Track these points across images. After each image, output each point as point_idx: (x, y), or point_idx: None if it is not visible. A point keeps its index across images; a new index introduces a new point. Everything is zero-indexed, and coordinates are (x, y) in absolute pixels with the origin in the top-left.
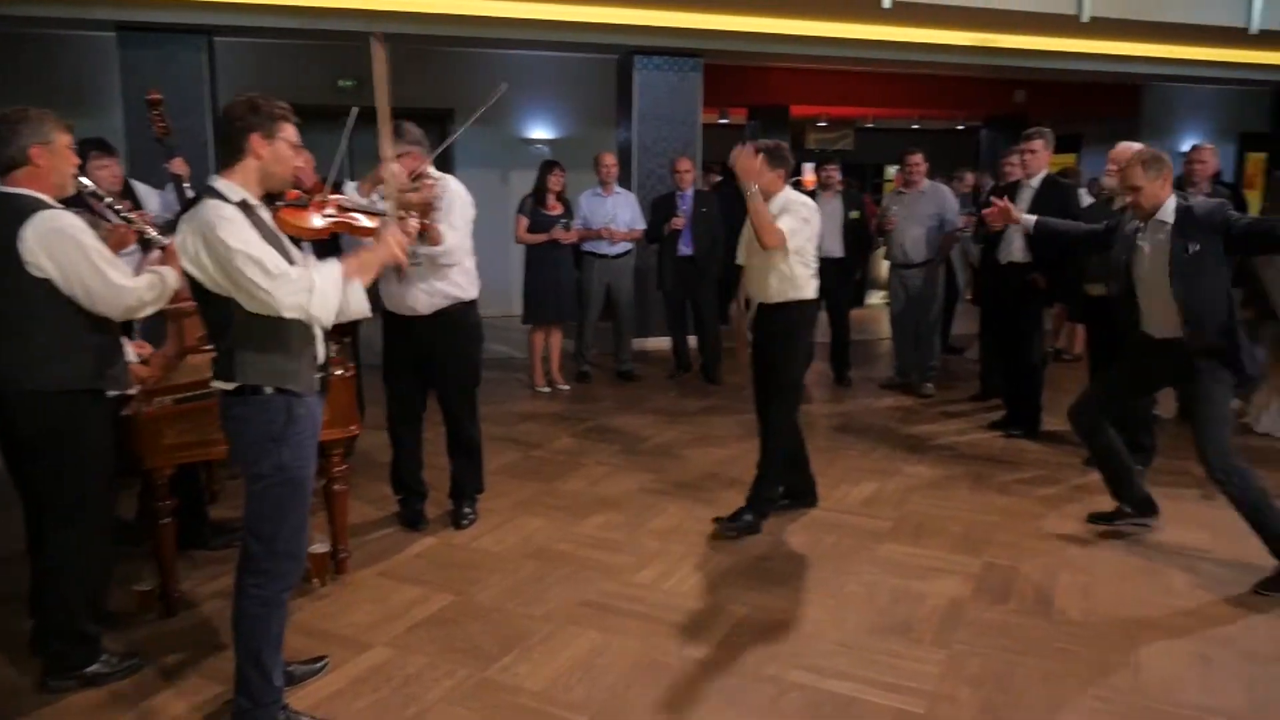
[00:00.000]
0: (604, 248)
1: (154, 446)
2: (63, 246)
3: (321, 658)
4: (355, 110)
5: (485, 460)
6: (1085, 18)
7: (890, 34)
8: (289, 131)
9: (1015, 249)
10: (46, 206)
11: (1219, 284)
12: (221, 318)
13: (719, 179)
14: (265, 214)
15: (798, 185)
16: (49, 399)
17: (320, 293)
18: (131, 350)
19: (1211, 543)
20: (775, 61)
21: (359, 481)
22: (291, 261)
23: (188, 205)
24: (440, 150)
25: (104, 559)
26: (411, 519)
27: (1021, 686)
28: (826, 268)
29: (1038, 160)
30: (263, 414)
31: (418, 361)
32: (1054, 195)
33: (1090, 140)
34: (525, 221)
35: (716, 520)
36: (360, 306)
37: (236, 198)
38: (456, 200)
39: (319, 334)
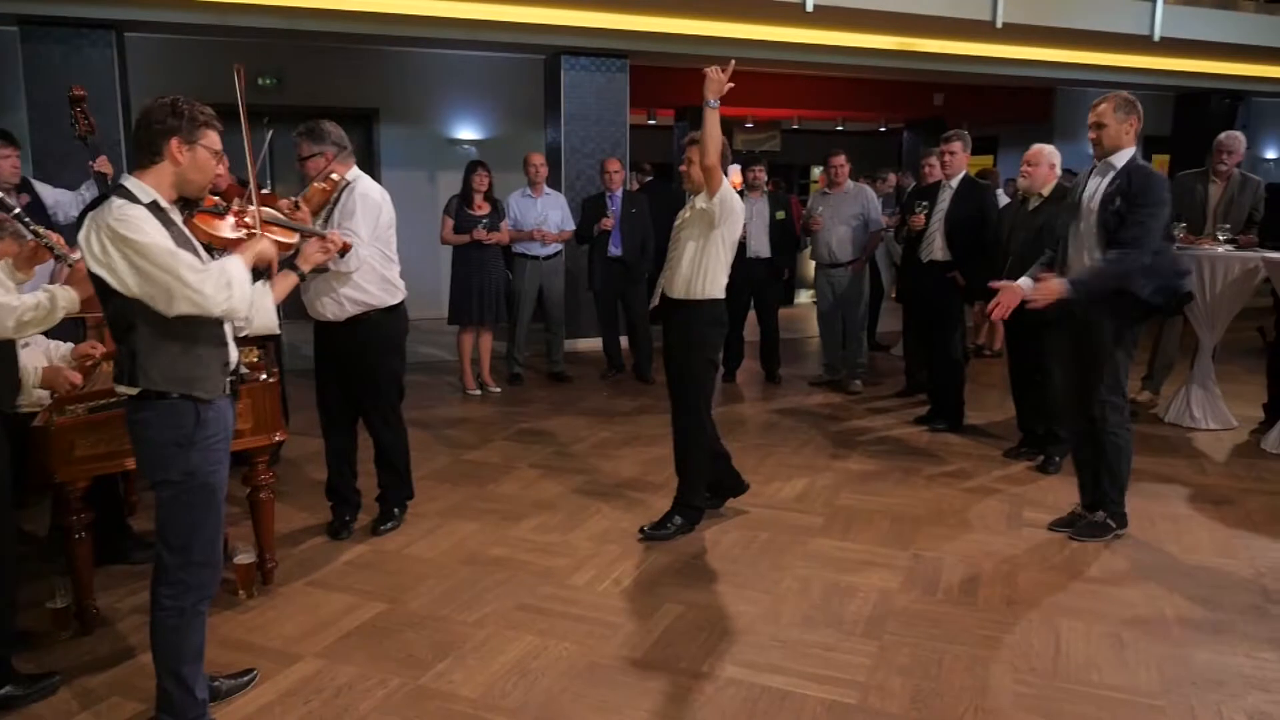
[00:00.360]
0: (535, 249)
1: (65, 458)
2: None
3: (249, 671)
4: (270, 133)
5: (415, 465)
6: (999, 24)
7: (813, 37)
8: (211, 138)
9: (936, 248)
10: None
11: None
12: (124, 320)
13: (649, 178)
14: (177, 217)
15: None
16: None
17: (239, 284)
18: (31, 363)
19: (1125, 531)
20: (702, 63)
21: (289, 489)
22: None
23: (92, 207)
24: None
25: (4, 579)
26: (334, 529)
27: (949, 674)
28: (755, 267)
29: (957, 161)
30: (169, 418)
31: (341, 369)
32: (972, 195)
33: (1006, 142)
34: (450, 223)
35: (642, 530)
36: (267, 321)
37: (146, 199)
38: (360, 205)
39: (229, 336)
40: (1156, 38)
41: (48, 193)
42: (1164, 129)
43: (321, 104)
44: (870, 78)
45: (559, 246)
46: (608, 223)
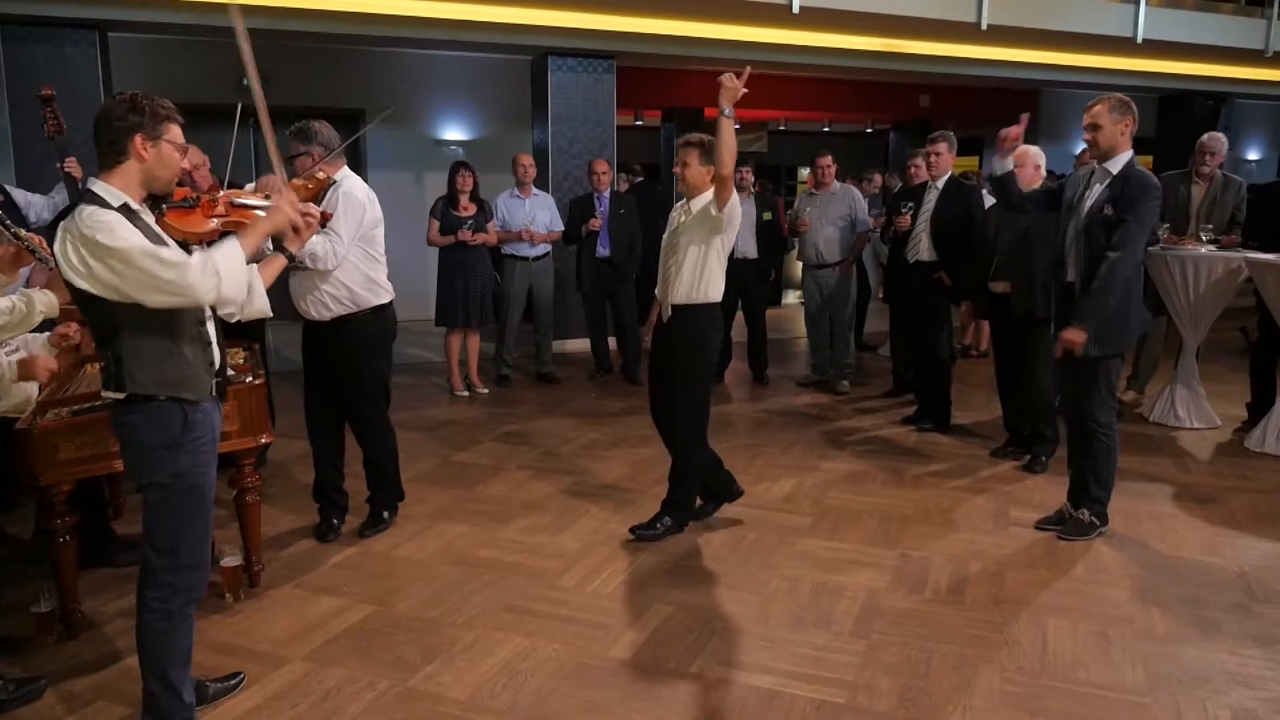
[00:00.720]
0: (524, 250)
1: (50, 461)
2: None
3: (237, 674)
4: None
5: (403, 467)
6: (984, 25)
7: (800, 38)
8: (174, 132)
9: (922, 248)
10: None
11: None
12: (107, 324)
13: (639, 179)
14: (149, 218)
15: None
16: None
17: (228, 271)
18: (4, 359)
19: (1110, 528)
20: (689, 64)
21: (277, 491)
22: None
23: (62, 216)
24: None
25: None
26: (320, 531)
27: (937, 673)
28: (742, 268)
29: (942, 162)
30: (157, 421)
31: (327, 370)
32: (958, 196)
33: (991, 143)
34: (436, 224)
35: (632, 530)
36: (261, 305)
37: (117, 202)
38: (342, 204)
39: (213, 338)
40: (1139, 39)
41: (19, 195)
42: (1147, 130)
43: (307, 104)
44: (856, 79)
45: (547, 247)
46: (596, 223)
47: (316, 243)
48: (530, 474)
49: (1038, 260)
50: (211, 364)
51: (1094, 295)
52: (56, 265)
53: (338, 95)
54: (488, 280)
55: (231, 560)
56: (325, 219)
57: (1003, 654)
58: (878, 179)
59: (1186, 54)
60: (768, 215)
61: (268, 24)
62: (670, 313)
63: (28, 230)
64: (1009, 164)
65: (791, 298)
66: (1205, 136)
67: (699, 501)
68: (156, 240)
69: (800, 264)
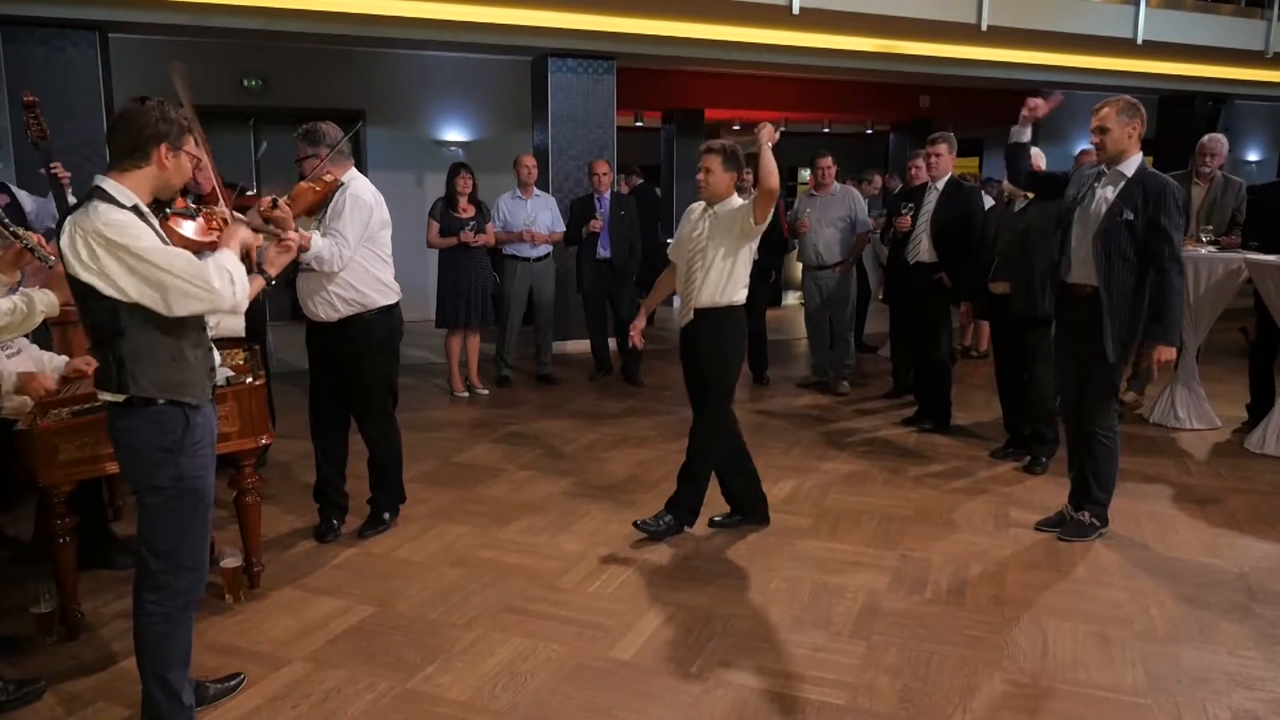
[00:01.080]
0: (526, 250)
1: (49, 462)
2: None
3: (237, 675)
4: (264, 144)
5: (404, 467)
6: (984, 27)
7: (800, 39)
8: (190, 144)
9: (922, 249)
10: None
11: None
12: (109, 325)
13: (640, 180)
14: (154, 221)
15: None
16: None
17: (239, 277)
18: (13, 368)
19: (1110, 530)
20: (689, 65)
21: (277, 492)
22: None
23: (70, 212)
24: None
25: None
26: (319, 532)
27: (937, 674)
28: None
29: (943, 163)
30: (158, 425)
31: (333, 370)
32: (958, 197)
33: (991, 144)
34: (436, 226)
35: (635, 522)
36: (235, 324)
37: (129, 203)
38: (349, 206)
39: (210, 340)
40: (1139, 41)
41: (25, 198)
42: (1147, 132)
43: (308, 106)
44: (856, 80)
45: (548, 248)
46: (596, 224)
47: (322, 245)
48: (530, 475)
49: (1037, 261)
50: (212, 368)
51: (1169, 308)
52: (62, 262)
53: (338, 96)
54: (488, 281)
55: (231, 561)
56: (304, 246)
57: (1003, 655)
58: (878, 180)
59: (1186, 55)
60: None
61: (267, 25)
62: (692, 316)
63: (26, 229)
64: (1027, 134)
65: (791, 299)
66: (1205, 138)
67: (729, 511)
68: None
69: (800, 265)
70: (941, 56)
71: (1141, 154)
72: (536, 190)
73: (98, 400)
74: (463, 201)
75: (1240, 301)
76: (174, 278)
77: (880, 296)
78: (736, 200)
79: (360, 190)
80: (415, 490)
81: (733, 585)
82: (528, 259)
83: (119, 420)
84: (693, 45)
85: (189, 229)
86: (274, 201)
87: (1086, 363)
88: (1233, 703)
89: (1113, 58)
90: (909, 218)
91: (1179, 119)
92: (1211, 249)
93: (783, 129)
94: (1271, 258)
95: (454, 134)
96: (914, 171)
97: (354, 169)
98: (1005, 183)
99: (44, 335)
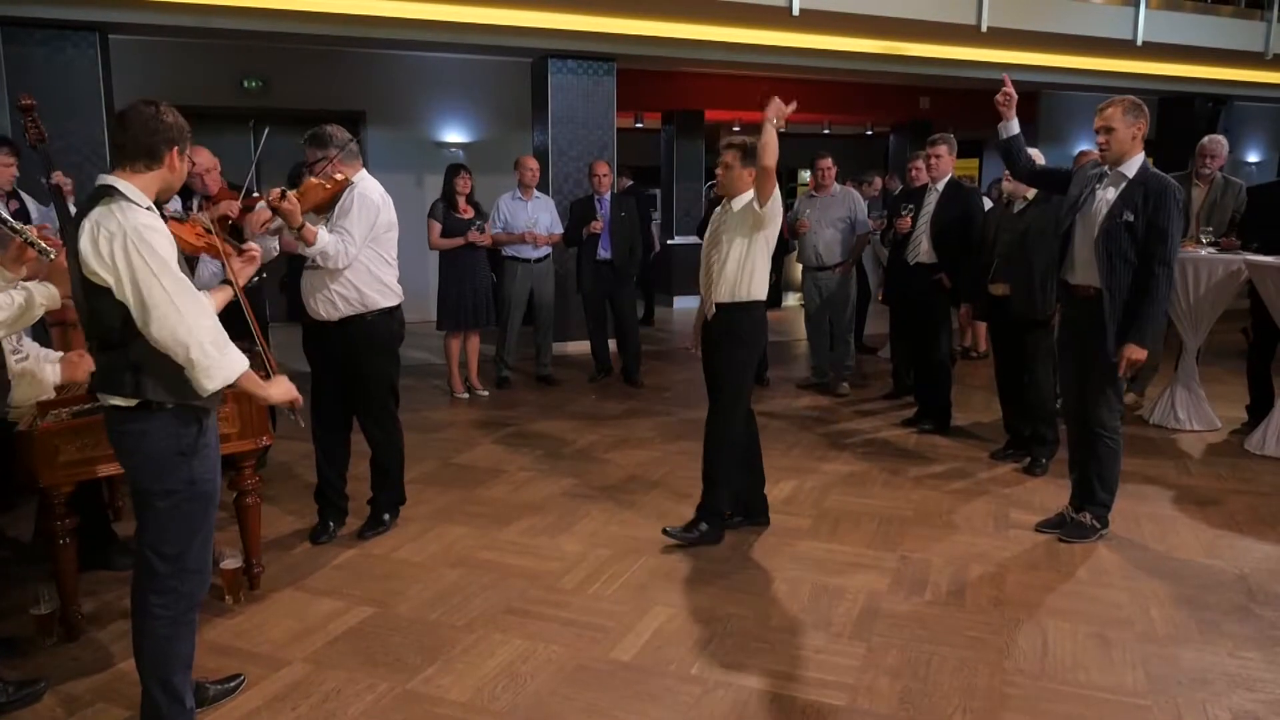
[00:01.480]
0: (526, 252)
1: (49, 463)
2: None
3: (237, 676)
4: (266, 130)
5: (405, 468)
6: (984, 28)
7: (800, 41)
8: (189, 148)
9: (922, 250)
10: None
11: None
12: (122, 329)
13: (629, 182)
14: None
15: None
16: None
17: (231, 363)
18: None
19: (1110, 531)
20: (689, 66)
21: (277, 493)
22: None
23: (84, 212)
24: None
25: None
26: (315, 533)
27: (937, 675)
28: None
29: (943, 164)
30: (170, 429)
31: (334, 371)
32: (958, 198)
33: (991, 146)
34: (438, 227)
35: (666, 530)
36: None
37: (144, 203)
38: (356, 205)
39: None
40: (1139, 42)
41: (33, 205)
42: (1147, 133)
43: (307, 107)
44: (856, 81)
45: (548, 249)
46: (597, 226)
47: (328, 241)
48: (530, 476)
49: (1036, 262)
50: None
51: (1146, 309)
52: (77, 262)
53: (338, 97)
54: (488, 282)
55: (231, 562)
56: (311, 240)
57: (1003, 656)
58: (878, 181)
59: (1186, 56)
60: None
61: (268, 26)
62: (714, 311)
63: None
64: (1015, 125)
65: (791, 300)
66: (1205, 139)
67: (729, 511)
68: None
69: (800, 266)
70: (941, 58)
71: (1144, 155)
72: (536, 192)
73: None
74: (462, 202)
75: (1240, 303)
76: (170, 303)
77: (880, 297)
78: (750, 194)
79: (369, 190)
80: (415, 491)
81: (733, 586)
82: (528, 260)
83: (129, 424)
84: (693, 46)
85: (181, 230)
86: (283, 193)
87: (1089, 364)
88: (1233, 704)
89: (1113, 59)
90: (909, 219)
91: (1179, 120)
92: (1211, 250)
93: (782, 130)
94: (1272, 259)
95: (454, 135)
96: (914, 173)
97: (363, 170)
98: (1005, 184)
99: (44, 336)
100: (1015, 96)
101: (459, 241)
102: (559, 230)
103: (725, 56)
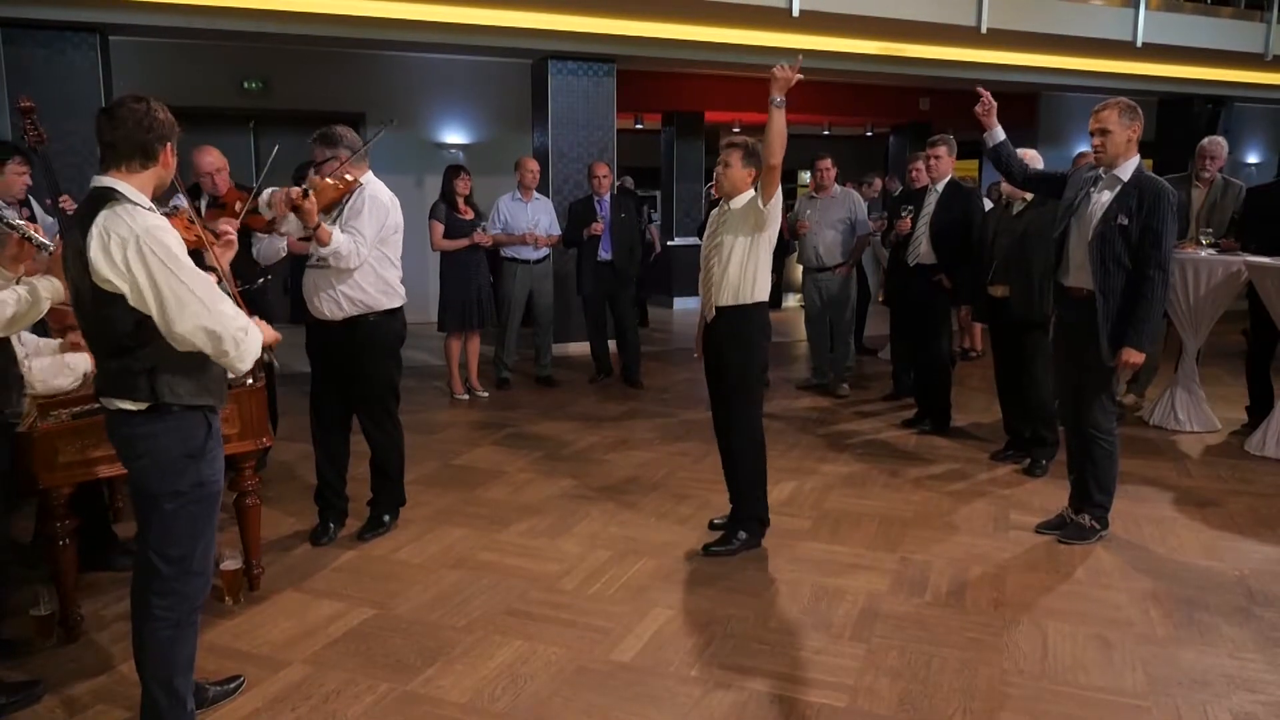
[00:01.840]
0: (526, 253)
1: (50, 464)
2: None
3: (237, 677)
4: (277, 148)
5: (405, 470)
6: (984, 29)
7: (800, 42)
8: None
9: (923, 252)
10: None
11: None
12: (135, 333)
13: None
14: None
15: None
16: None
17: (255, 338)
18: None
19: (1110, 532)
20: (689, 67)
21: (277, 494)
22: None
23: (87, 216)
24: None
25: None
26: (315, 535)
27: (937, 676)
28: None
29: (942, 165)
30: (180, 431)
31: (336, 371)
32: (958, 199)
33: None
34: (441, 228)
35: (706, 548)
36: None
37: (146, 204)
38: (368, 205)
39: None
40: (1139, 43)
41: (41, 216)
42: (1147, 134)
43: (308, 108)
44: (856, 82)
45: (547, 250)
46: (598, 227)
47: (341, 240)
48: (530, 477)
49: (1035, 264)
50: (225, 370)
51: (1142, 313)
52: (87, 271)
53: (338, 99)
54: (488, 283)
55: (231, 563)
56: (325, 240)
57: (1003, 657)
58: (878, 182)
59: (1186, 58)
60: None
61: (268, 28)
62: (714, 314)
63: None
64: (999, 133)
65: (791, 301)
66: (1205, 140)
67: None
68: None
69: (800, 267)
70: (941, 59)
71: (1138, 158)
72: (535, 193)
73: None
74: (461, 203)
75: (1240, 304)
76: (195, 298)
77: (880, 298)
78: (751, 194)
79: (378, 192)
80: (415, 492)
81: (733, 587)
82: (526, 261)
83: (138, 428)
84: (693, 48)
85: (175, 227)
86: (305, 192)
87: (1083, 366)
88: (1233, 705)
89: (1112, 60)
90: (908, 220)
91: (1178, 121)
92: (1211, 251)
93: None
94: (1272, 260)
95: (454, 136)
96: (914, 174)
97: (370, 172)
98: (1004, 185)
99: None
100: (994, 105)
101: (464, 243)
102: (558, 232)
103: (725, 58)
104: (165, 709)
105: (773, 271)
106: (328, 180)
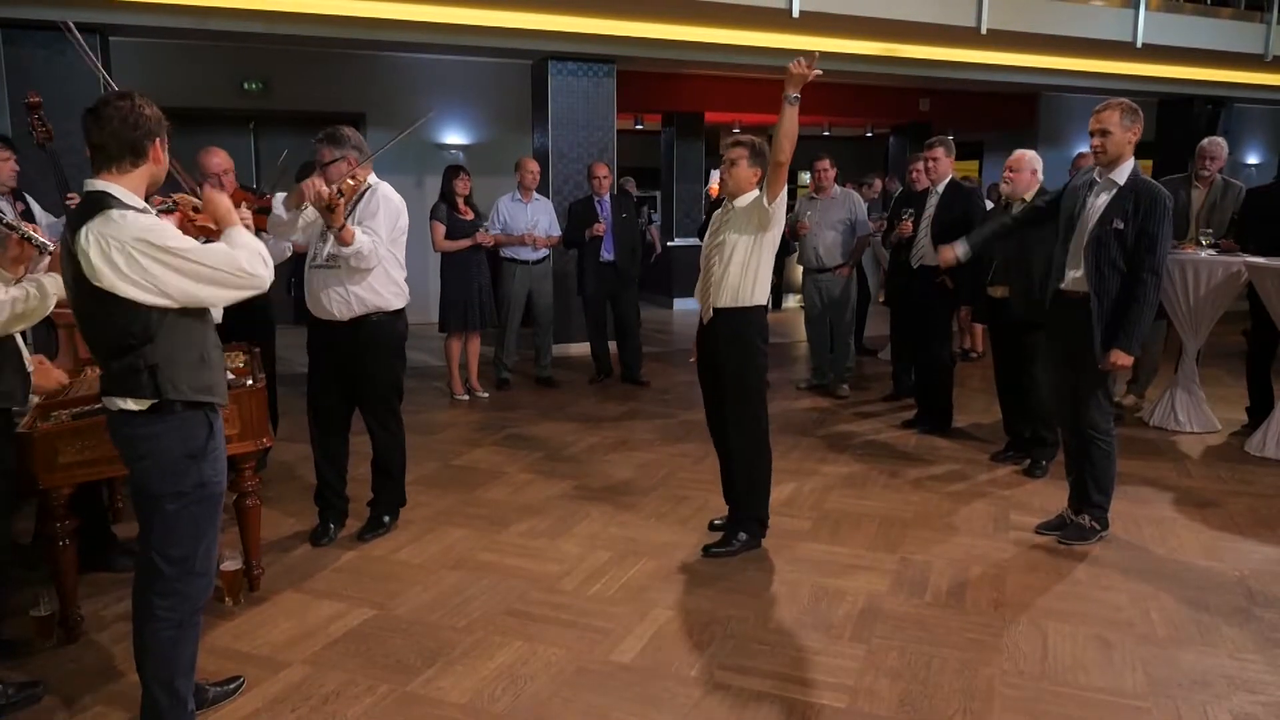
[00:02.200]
0: (526, 254)
1: (50, 464)
2: None
3: (236, 678)
4: (286, 152)
5: (406, 470)
6: (984, 30)
7: (799, 43)
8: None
9: (927, 253)
10: None
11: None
12: (140, 333)
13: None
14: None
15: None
16: None
17: (265, 254)
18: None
19: (1110, 533)
20: (689, 68)
21: (277, 495)
22: None
23: (80, 222)
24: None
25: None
26: (315, 535)
27: (937, 677)
28: None
29: (940, 167)
30: (183, 430)
31: (340, 371)
32: (958, 200)
33: (990, 148)
34: (443, 228)
35: (705, 549)
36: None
37: (139, 205)
38: (382, 206)
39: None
40: (1139, 44)
41: (38, 211)
42: (1147, 135)
43: (308, 108)
44: (856, 83)
45: (547, 251)
46: (600, 228)
47: (363, 240)
48: (530, 478)
49: (1035, 265)
50: (224, 368)
51: (1133, 316)
52: (89, 275)
53: (338, 99)
54: (488, 283)
55: (231, 564)
56: (348, 240)
57: (1003, 658)
58: (878, 183)
59: (1186, 58)
60: None
61: (268, 28)
62: (712, 315)
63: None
64: (961, 249)
65: (791, 301)
66: (1205, 141)
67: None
68: None
69: (800, 268)
70: (941, 60)
71: (1134, 160)
72: (535, 194)
73: (98, 403)
74: (461, 203)
75: (1240, 305)
76: (219, 271)
77: (881, 299)
78: (755, 194)
79: (390, 193)
80: (415, 493)
81: (733, 588)
82: (526, 262)
83: (140, 428)
84: (693, 48)
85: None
86: (338, 190)
87: (1079, 368)
88: (1233, 706)
89: (1112, 61)
90: (909, 223)
91: (1178, 122)
92: (1211, 252)
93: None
94: (1272, 260)
95: (454, 137)
96: (914, 175)
97: (373, 173)
98: (1004, 186)
99: (48, 338)
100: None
101: (466, 243)
102: (557, 233)
103: (725, 59)
104: (166, 709)
105: (773, 273)
106: (348, 181)
